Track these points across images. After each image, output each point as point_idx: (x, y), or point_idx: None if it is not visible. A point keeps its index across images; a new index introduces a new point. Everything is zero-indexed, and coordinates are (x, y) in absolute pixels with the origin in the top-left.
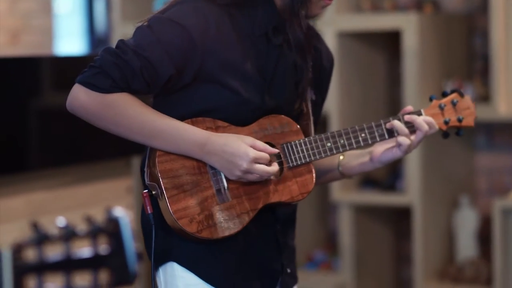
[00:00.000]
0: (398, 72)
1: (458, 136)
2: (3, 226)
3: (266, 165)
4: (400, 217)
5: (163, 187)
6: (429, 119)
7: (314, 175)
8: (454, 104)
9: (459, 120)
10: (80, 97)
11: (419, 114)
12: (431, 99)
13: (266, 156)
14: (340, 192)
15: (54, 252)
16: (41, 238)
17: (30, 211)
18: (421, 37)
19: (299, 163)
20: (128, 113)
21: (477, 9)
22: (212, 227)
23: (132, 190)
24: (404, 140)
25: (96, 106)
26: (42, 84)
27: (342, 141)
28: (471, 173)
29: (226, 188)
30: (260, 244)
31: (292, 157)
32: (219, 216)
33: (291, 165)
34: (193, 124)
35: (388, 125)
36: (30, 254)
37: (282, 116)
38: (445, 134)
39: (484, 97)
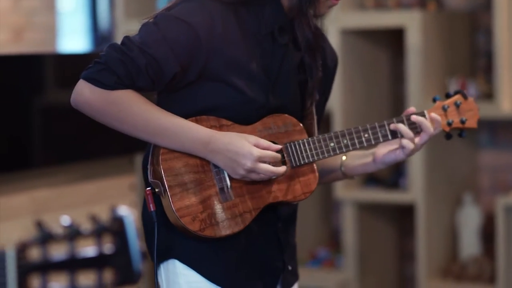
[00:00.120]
0: (402, 69)
1: (460, 137)
2: (7, 224)
3: (272, 164)
4: (403, 215)
5: (166, 185)
6: (436, 116)
7: (317, 174)
8: (457, 105)
9: (462, 122)
10: (85, 93)
11: (422, 115)
12: (434, 100)
13: (270, 154)
14: (343, 190)
15: (58, 251)
16: (46, 237)
17: (34, 209)
18: (424, 34)
19: (302, 163)
20: (132, 110)
21: (480, 6)
22: (215, 225)
23: (135, 188)
24: (408, 144)
25: (101, 103)
26: (45, 82)
27: (345, 141)
28: (474, 170)
29: (229, 186)
30: (261, 242)
31: (296, 157)
32: (222, 214)
33: (294, 165)
34: (197, 122)
35: (392, 127)
36: (34, 253)
37: (286, 115)
38: (448, 136)
39: (488, 95)
